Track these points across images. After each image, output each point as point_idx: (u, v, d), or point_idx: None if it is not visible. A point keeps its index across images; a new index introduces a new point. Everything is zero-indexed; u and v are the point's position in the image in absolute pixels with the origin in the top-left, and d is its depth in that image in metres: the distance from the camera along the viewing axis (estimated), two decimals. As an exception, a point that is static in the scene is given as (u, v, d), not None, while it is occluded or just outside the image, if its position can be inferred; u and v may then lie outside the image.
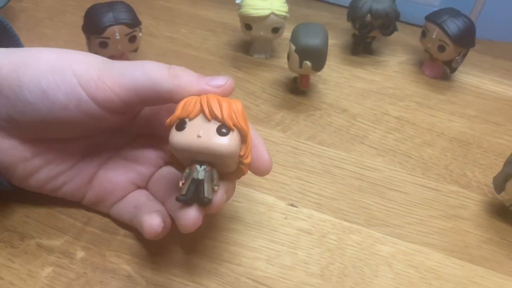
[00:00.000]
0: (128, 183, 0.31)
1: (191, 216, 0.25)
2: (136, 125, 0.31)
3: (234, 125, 0.24)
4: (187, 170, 0.25)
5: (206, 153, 0.24)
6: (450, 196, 0.35)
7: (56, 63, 0.26)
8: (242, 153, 0.25)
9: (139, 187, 0.31)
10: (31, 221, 0.32)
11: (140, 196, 0.31)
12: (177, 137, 0.24)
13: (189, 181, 0.25)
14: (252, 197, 0.34)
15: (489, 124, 0.42)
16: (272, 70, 0.45)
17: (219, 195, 0.26)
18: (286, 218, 0.33)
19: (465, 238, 0.33)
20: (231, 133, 0.24)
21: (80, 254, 0.30)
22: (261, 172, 0.28)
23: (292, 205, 0.34)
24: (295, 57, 0.38)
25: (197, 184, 0.24)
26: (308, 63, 0.38)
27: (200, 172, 0.24)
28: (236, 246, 0.31)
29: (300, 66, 0.38)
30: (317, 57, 0.38)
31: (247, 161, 0.26)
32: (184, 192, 0.24)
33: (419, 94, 0.44)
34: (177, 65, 0.27)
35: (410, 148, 0.39)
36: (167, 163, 0.32)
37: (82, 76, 0.26)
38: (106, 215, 0.32)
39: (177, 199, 0.25)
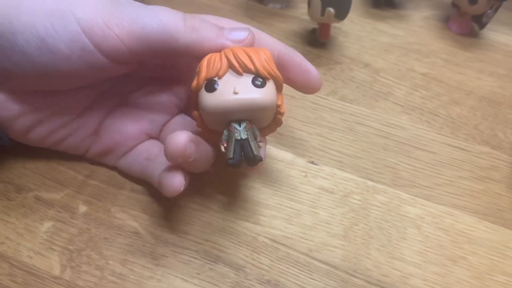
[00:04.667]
0: (139, 132, 0.28)
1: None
2: (147, 68, 0.28)
3: (269, 74, 0.23)
4: (225, 132, 0.23)
5: (246, 110, 0.22)
6: (481, 157, 0.33)
7: (54, 5, 0.22)
8: (279, 103, 0.23)
9: (151, 137, 0.28)
10: (28, 172, 0.29)
11: (152, 147, 0.28)
12: (212, 100, 0.22)
13: (232, 143, 0.22)
14: (269, 154, 0.31)
15: (521, 84, 0.39)
16: (288, 21, 0.42)
17: (263, 151, 0.24)
18: (306, 176, 0.30)
19: (497, 201, 0.30)
20: (267, 83, 0.22)
21: (82, 208, 0.28)
22: (311, 88, 0.27)
23: (312, 162, 0.31)
24: (317, 2, 0.34)
25: (242, 144, 0.22)
26: (331, 10, 0.34)
27: (242, 131, 0.22)
28: (252, 203, 0.29)
29: (322, 13, 0.35)
30: (342, 3, 0.34)
31: (283, 110, 0.24)
32: (231, 155, 0.22)
33: (445, 51, 0.41)
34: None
35: (437, 106, 0.36)
36: (181, 111, 0.29)
37: (85, 22, 0.22)
38: (111, 167, 0.29)
39: (227, 163, 0.22)
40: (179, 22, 0.23)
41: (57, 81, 0.24)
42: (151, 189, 0.28)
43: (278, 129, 0.29)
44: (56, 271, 0.25)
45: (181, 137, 0.22)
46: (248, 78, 0.22)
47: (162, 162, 0.27)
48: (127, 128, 0.28)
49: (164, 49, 0.23)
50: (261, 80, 0.22)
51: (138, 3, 0.23)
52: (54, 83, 0.24)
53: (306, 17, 0.38)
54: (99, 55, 0.23)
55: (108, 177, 0.29)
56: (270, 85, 0.23)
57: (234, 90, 0.22)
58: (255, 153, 0.22)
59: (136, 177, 0.28)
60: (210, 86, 0.22)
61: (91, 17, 0.22)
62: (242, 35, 0.24)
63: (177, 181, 0.24)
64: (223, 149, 0.22)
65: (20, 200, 0.28)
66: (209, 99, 0.22)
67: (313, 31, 0.40)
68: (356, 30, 0.41)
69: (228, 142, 0.22)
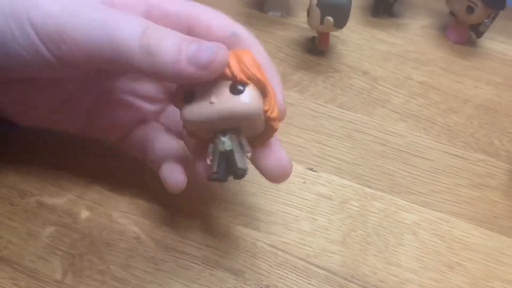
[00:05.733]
0: (130, 119, 0.28)
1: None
2: None
3: (248, 79, 0.20)
4: (211, 145, 0.22)
5: (226, 119, 0.21)
6: (477, 164, 0.33)
7: (10, 7, 0.20)
8: (266, 108, 0.21)
9: (145, 121, 0.28)
10: (31, 177, 0.29)
11: (150, 130, 0.27)
12: (189, 112, 0.21)
13: (217, 156, 0.21)
14: (268, 160, 0.32)
15: (517, 92, 0.39)
16: (288, 29, 0.42)
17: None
18: (304, 182, 0.31)
19: (493, 208, 0.31)
20: (247, 88, 0.20)
21: (84, 213, 0.28)
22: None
23: (311, 169, 0.32)
24: (317, 11, 0.35)
25: (227, 157, 0.21)
26: (330, 19, 0.35)
27: (226, 142, 0.21)
28: (251, 209, 0.29)
29: (321, 22, 0.36)
30: (340, 13, 0.35)
31: (273, 115, 0.22)
32: (215, 169, 0.21)
33: (443, 59, 0.41)
34: None
35: (434, 114, 0.36)
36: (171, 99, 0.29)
37: (39, 28, 0.20)
38: (111, 174, 0.30)
39: (209, 179, 0.22)
40: (134, 42, 0.20)
41: (30, 80, 0.23)
42: (153, 194, 0.29)
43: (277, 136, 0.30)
44: (58, 276, 0.25)
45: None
46: (227, 85, 0.21)
47: (160, 148, 0.27)
48: (118, 115, 0.27)
49: (119, 68, 0.21)
50: (240, 85, 0.20)
51: (101, 6, 0.21)
52: (27, 81, 0.24)
53: (306, 25, 0.39)
54: (55, 61, 0.21)
55: (110, 182, 0.29)
56: (251, 90, 0.20)
57: (210, 100, 0.20)
58: (239, 165, 0.21)
59: (135, 183, 0.29)
60: (189, 97, 0.21)
61: (43, 23, 0.20)
62: (206, 58, 0.20)
63: (180, 180, 0.25)
64: (209, 162, 0.22)
65: (23, 205, 0.28)
66: (187, 112, 0.21)
67: (313, 39, 0.41)
68: (355, 39, 0.42)
69: (213, 154, 0.21)
